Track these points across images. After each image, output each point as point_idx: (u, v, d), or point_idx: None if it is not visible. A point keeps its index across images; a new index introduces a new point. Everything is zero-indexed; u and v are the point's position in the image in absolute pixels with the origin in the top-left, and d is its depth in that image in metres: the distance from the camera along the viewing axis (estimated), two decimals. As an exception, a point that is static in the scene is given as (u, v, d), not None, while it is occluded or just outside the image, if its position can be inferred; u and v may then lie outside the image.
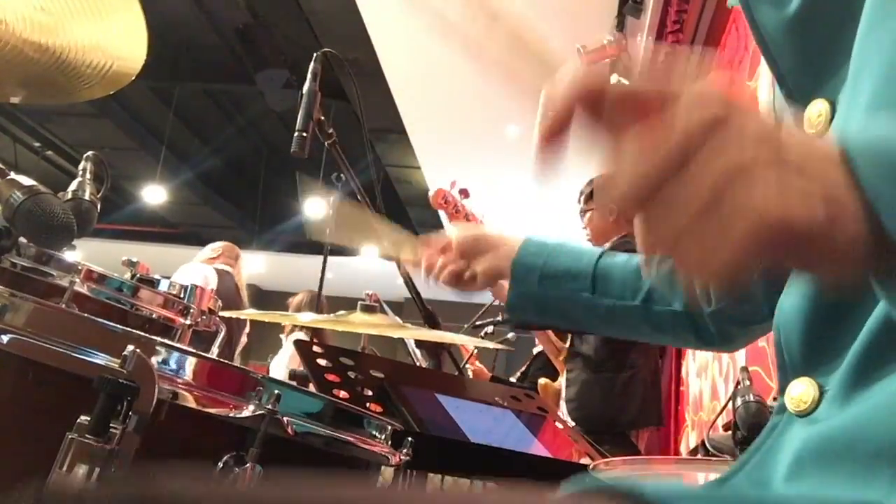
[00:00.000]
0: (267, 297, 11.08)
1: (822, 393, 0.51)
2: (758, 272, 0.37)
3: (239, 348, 4.31)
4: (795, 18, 0.57)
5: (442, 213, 2.65)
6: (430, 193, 2.57)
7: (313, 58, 1.65)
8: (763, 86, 3.19)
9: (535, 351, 4.15)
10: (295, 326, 4.65)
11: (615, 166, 0.39)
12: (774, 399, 1.64)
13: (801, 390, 0.52)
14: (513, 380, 3.68)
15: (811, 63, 0.58)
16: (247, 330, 4.39)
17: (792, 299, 0.56)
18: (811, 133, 0.57)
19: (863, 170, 0.37)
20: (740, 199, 0.35)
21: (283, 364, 4.50)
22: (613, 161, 0.39)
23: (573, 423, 2.67)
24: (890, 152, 0.38)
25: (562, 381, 3.05)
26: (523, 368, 3.75)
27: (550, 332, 3.51)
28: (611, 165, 0.39)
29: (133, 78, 1.24)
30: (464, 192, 2.57)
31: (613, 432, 2.73)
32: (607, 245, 2.78)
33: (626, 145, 0.38)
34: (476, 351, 3.63)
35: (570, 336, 3.04)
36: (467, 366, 4.01)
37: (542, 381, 3.30)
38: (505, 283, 1.03)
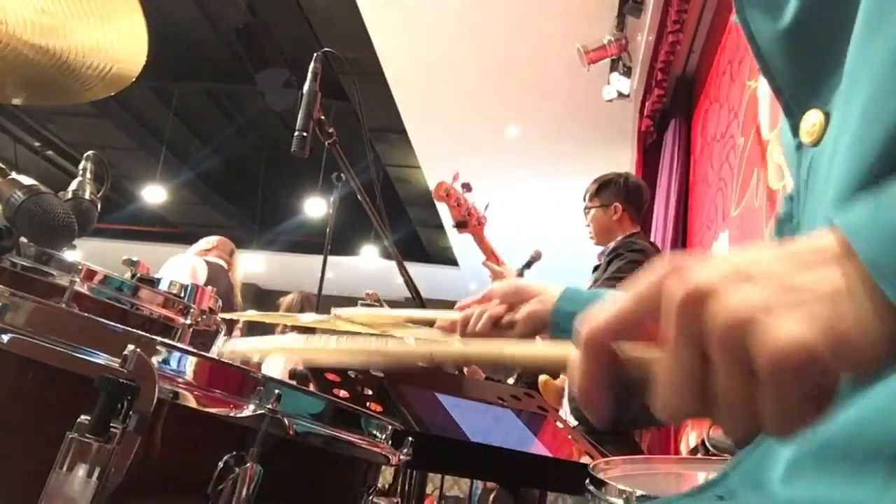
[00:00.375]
0: (267, 297, 11.09)
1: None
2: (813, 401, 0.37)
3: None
4: (790, 31, 0.58)
5: (443, 207, 2.66)
6: (433, 187, 2.57)
7: (313, 57, 1.65)
8: (763, 86, 3.19)
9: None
10: (286, 327, 4.61)
11: (657, 396, 0.40)
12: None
13: None
14: (510, 381, 3.68)
15: (806, 74, 0.58)
16: (239, 325, 4.35)
17: None
18: (806, 140, 0.58)
19: (870, 261, 0.37)
20: (761, 353, 0.35)
21: (275, 367, 4.41)
22: (655, 392, 0.40)
23: (576, 422, 2.68)
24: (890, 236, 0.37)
25: (565, 379, 3.05)
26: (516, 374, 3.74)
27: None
28: (655, 396, 0.40)
29: (133, 80, 1.24)
30: (466, 186, 2.57)
31: (617, 431, 2.73)
32: (612, 244, 2.78)
33: (655, 372, 0.40)
34: None
35: None
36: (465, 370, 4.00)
37: (542, 377, 3.30)
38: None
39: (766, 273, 0.38)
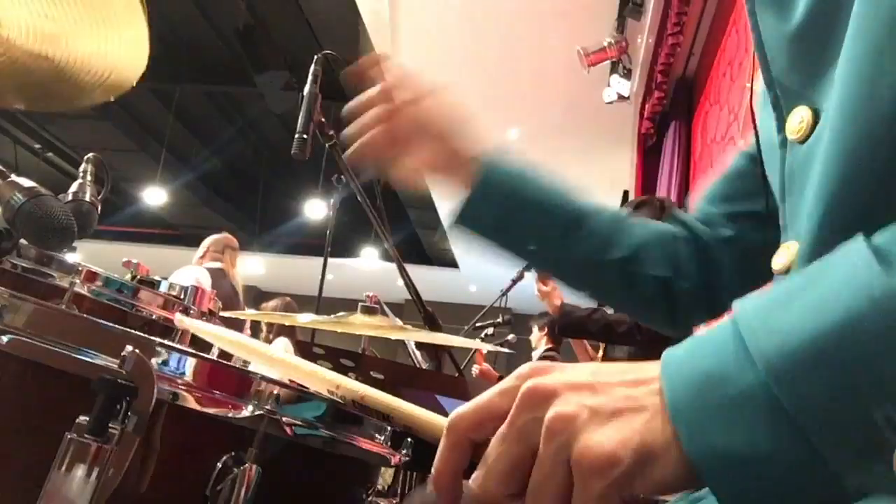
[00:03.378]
0: (267, 299, 11.08)
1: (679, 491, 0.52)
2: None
3: None
4: (798, 28, 0.58)
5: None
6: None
7: (314, 59, 1.65)
8: (760, 85, 3.18)
9: (536, 355, 4.14)
10: (269, 335, 4.61)
11: (477, 476, 0.45)
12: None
13: None
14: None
15: (802, 70, 0.59)
16: (248, 325, 4.36)
17: None
18: (792, 136, 0.58)
19: (671, 405, 0.41)
20: (574, 448, 0.41)
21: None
22: (477, 471, 0.45)
23: None
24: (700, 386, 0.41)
25: None
26: None
27: (586, 342, 3.53)
28: (475, 476, 0.45)
29: (133, 85, 1.24)
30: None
31: None
32: None
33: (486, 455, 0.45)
34: (484, 351, 3.63)
35: (602, 346, 3.09)
36: (474, 366, 4.01)
37: None
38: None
39: (604, 384, 0.43)
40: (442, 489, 0.47)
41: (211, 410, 0.73)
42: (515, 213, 0.92)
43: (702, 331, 0.45)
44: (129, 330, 0.74)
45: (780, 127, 0.60)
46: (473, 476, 0.45)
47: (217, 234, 4.54)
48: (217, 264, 4.23)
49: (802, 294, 0.40)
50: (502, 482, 0.43)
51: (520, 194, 0.93)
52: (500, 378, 2.65)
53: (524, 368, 0.46)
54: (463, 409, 0.47)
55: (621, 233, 0.95)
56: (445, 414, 0.50)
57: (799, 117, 0.58)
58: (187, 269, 4.05)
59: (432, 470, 0.47)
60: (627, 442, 0.40)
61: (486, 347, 2.16)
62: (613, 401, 0.42)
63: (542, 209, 0.92)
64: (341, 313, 1.37)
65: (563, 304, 2.83)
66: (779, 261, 0.60)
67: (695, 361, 0.42)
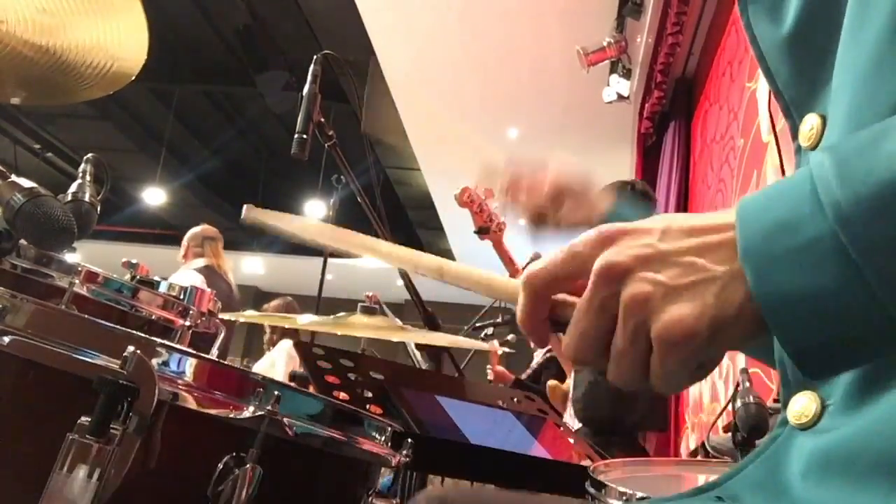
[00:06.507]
0: (267, 299, 11.07)
1: (824, 406, 0.52)
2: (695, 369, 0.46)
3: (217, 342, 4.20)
4: (792, 35, 0.59)
5: (443, 210, 2.66)
6: (456, 192, 2.57)
7: (313, 59, 1.65)
8: (762, 88, 3.20)
9: (540, 355, 4.14)
10: (273, 336, 4.58)
11: (565, 338, 0.50)
12: (775, 400, 1.64)
13: (803, 404, 0.53)
14: (527, 373, 3.70)
15: (806, 78, 0.59)
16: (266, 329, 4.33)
17: None
18: (804, 143, 0.59)
19: (742, 247, 0.43)
20: (654, 324, 0.44)
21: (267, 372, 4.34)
22: (567, 331, 0.50)
23: (580, 424, 2.68)
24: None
25: (569, 382, 3.06)
26: (529, 372, 3.75)
27: (561, 335, 3.52)
28: (564, 338, 0.50)
29: (133, 78, 1.23)
30: (488, 192, 2.57)
31: (620, 433, 2.73)
32: None
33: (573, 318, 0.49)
34: (499, 353, 3.63)
35: None
36: (488, 368, 4.01)
37: (550, 382, 3.32)
38: None
39: (673, 251, 0.46)
40: (530, 332, 0.52)
41: (212, 411, 0.73)
42: None
43: (778, 181, 0.46)
44: (129, 330, 0.74)
45: (795, 135, 0.61)
46: (563, 343, 0.49)
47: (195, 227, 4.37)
48: (203, 261, 4.10)
49: (874, 145, 0.42)
50: (587, 350, 0.48)
51: None
52: (516, 380, 2.66)
53: (591, 234, 0.49)
54: (536, 267, 0.50)
55: None
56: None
57: (810, 125, 0.58)
58: (179, 277, 3.93)
59: (517, 319, 0.52)
60: (702, 315, 0.43)
61: (485, 347, 2.16)
62: (685, 273, 0.45)
63: None
64: (341, 314, 1.36)
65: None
66: None
67: (769, 209, 0.44)
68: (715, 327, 0.43)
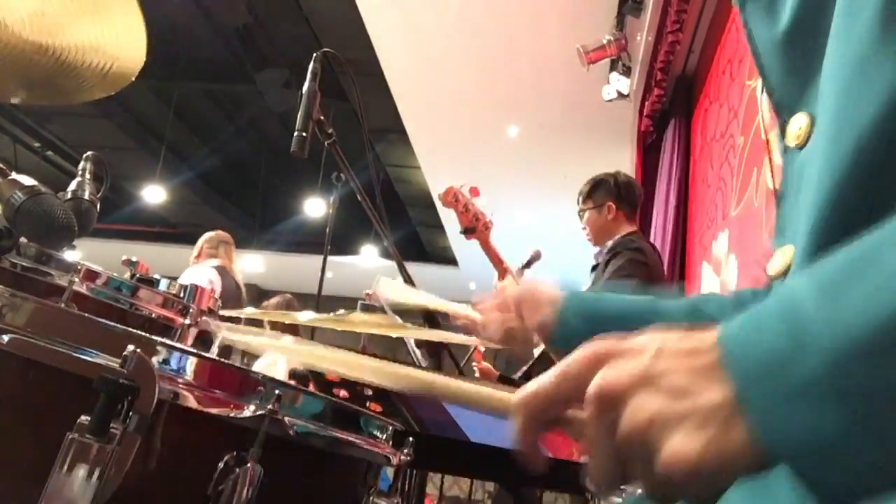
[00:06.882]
0: (267, 297, 11.06)
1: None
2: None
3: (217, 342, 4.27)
4: (786, 34, 0.59)
5: (447, 211, 2.66)
6: (440, 192, 2.55)
7: (313, 58, 1.65)
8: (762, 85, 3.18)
9: (537, 352, 4.13)
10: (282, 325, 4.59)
11: (590, 462, 0.48)
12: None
13: None
14: (518, 374, 3.69)
15: (797, 77, 0.59)
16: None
17: None
18: (791, 143, 0.58)
19: (739, 393, 0.42)
20: (657, 460, 0.43)
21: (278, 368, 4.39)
22: (592, 465, 0.48)
23: None
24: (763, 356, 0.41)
25: None
26: (525, 369, 3.74)
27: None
28: (593, 468, 0.48)
29: (132, 79, 1.23)
30: (473, 191, 2.56)
31: None
32: (609, 243, 2.77)
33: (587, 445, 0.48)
34: (482, 349, 3.63)
35: None
36: (473, 365, 4.01)
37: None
38: None
39: (666, 373, 0.44)
40: (525, 451, 0.51)
41: (212, 410, 0.73)
42: (599, 322, 0.97)
43: (755, 309, 0.44)
44: (130, 329, 0.74)
45: (783, 135, 0.61)
46: (588, 472, 0.48)
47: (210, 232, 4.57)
48: (216, 261, 4.24)
49: (859, 274, 0.40)
50: (613, 471, 0.46)
51: (603, 309, 1.00)
52: (501, 376, 2.65)
53: (582, 355, 0.48)
54: (528, 391, 0.49)
55: (699, 318, 0.96)
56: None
57: (798, 124, 0.58)
58: (196, 270, 4.08)
59: (515, 441, 0.51)
60: (705, 450, 0.42)
61: (469, 342, 2.15)
62: (682, 398, 0.43)
63: (623, 317, 0.98)
64: (341, 311, 1.36)
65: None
66: (774, 265, 0.61)
67: (754, 344, 0.42)
68: (719, 463, 0.42)
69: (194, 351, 0.75)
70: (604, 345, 0.48)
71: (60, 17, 1.14)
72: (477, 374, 4.00)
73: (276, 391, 0.75)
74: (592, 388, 0.46)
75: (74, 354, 0.69)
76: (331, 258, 3.33)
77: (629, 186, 2.95)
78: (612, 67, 5.04)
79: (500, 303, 1.09)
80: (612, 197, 2.86)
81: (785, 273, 0.59)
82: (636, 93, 5.43)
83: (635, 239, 2.79)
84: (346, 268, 10.23)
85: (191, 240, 4.67)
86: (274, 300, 4.85)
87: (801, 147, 0.58)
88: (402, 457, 0.93)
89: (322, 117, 1.61)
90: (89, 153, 1.26)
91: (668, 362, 0.45)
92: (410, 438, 0.95)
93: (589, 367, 0.47)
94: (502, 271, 2.62)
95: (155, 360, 0.70)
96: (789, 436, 0.40)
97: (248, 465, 0.72)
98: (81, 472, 0.62)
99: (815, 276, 0.42)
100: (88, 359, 0.69)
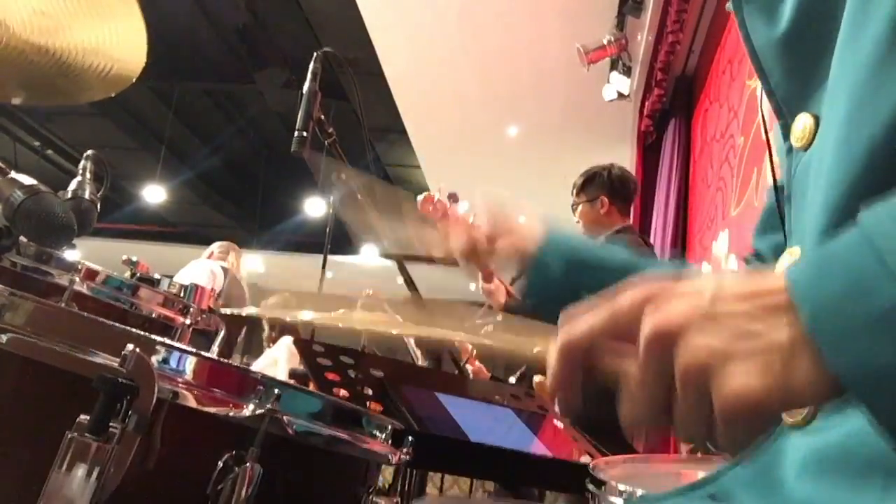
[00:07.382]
0: (266, 297, 11.06)
1: (816, 406, 0.52)
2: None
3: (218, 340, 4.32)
4: (786, 35, 0.59)
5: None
6: (433, 187, 2.55)
7: (313, 57, 1.65)
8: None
9: (536, 352, 4.13)
10: (273, 333, 4.62)
11: (625, 406, 0.46)
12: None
13: None
14: (512, 380, 3.68)
15: (799, 79, 0.59)
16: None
17: None
18: (796, 143, 0.58)
19: (811, 327, 0.40)
20: (718, 395, 0.41)
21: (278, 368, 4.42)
22: (623, 398, 0.46)
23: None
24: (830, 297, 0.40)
25: None
26: (523, 369, 3.74)
27: None
28: (623, 402, 0.46)
29: (133, 80, 1.23)
30: (452, 197, 2.55)
31: (609, 432, 2.73)
32: (602, 237, 2.78)
33: (624, 384, 0.45)
34: (475, 351, 3.63)
35: None
36: (466, 365, 4.01)
37: (537, 378, 3.30)
38: (500, 286, 1.02)
39: (728, 314, 0.42)
40: (562, 399, 0.48)
41: (212, 409, 0.73)
42: (578, 267, 0.95)
43: (822, 249, 0.43)
44: (129, 328, 0.74)
45: (786, 135, 0.61)
46: (621, 409, 0.46)
47: (217, 234, 4.78)
48: (223, 263, 4.35)
49: None
50: (646, 416, 0.45)
51: (584, 255, 0.97)
52: (493, 378, 2.64)
53: (634, 294, 0.46)
54: (571, 329, 0.47)
55: None
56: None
57: (802, 125, 0.58)
58: (202, 262, 4.19)
59: (549, 386, 0.48)
60: (769, 387, 0.40)
61: (458, 338, 2.15)
62: (744, 339, 0.41)
63: (601, 263, 0.95)
64: (341, 310, 1.37)
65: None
66: (781, 267, 0.61)
67: (827, 281, 0.41)
68: (783, 400, 0.41)
69: (194, 350, 0.75)
70: (657, 284, 0.45)
71: (61, 19, 1.14)
72: (471, 376, 4.00)
73: (276, 390, 0.75)
74: (647, 326, 0.43)
75: (74, 354, 0.69)
76: (331, 257, 3.33)
77: (623, 180, 2.94)
78: (613, 67, 5.05)
79: (471, 225, 1.06)
80: (605, 190, 2.85)
81: None
82: (636, 93, 5.43)
83: (627, 234, 2.79)
84: (346, 267, 10.23)
85: (191, 239, 4.73)
86: (273, 299, 4.86)
87: (805, 148, 0.58)
88: (402, 456, 0.93)
89: (322, 117, 1.61)
90: (89, 152, 1.26)
91: (728, 304, 0.43)
92: (410, 438, 0.95)
93: (641, 306, 0.45)
94: (487, 275, 2.61)
95: (154, 359, 0.70)
96: (862, 368, 0.39)
97: (248, 464, 0.72)
98: (80, 471, 0.62)
99: (889, 208, 0.41)
100: (88, 358, 0.69)
